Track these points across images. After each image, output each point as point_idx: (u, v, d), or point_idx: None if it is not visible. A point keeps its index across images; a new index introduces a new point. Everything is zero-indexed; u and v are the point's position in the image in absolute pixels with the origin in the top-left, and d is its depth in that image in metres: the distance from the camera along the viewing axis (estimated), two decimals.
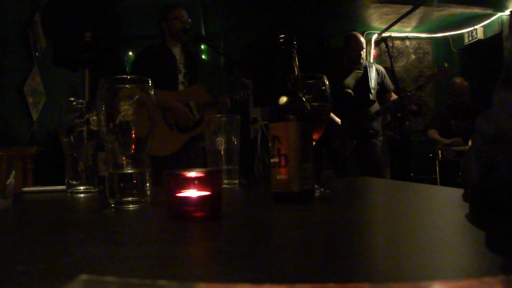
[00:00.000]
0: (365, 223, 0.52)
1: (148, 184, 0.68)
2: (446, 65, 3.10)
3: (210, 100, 2.39)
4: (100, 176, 0.94)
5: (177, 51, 2.40)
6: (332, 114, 2.67)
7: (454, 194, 0.72)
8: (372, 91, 2.89)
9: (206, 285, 0.24)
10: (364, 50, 2.95)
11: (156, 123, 0.71)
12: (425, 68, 5.54)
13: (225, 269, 0.31)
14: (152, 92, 0.69)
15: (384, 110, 2.92)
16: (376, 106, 2.91)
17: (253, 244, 0.40)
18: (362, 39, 2.96)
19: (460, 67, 5.38)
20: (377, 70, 2.98)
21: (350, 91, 2.89)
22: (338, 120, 2.79)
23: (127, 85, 0.68)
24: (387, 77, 3.01)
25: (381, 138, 2.92)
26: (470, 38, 5.18)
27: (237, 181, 1.07)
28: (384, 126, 3.10)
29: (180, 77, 2.38)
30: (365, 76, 2.91)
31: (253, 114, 3.90)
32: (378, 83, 2.96)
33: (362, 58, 2.93)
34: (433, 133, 3.67)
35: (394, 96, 2.98)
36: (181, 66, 2.39)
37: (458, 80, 3.63)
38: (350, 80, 2.92)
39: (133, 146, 0.67)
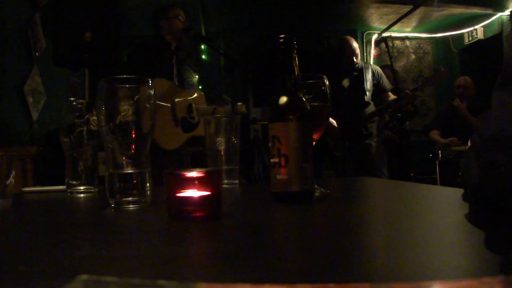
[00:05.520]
0: (365, 223, 0.52)
1: (148, 184, 0.68)
2: (442, 68, 3.11)
3: (208, 107, 2.36)
4: (100, 176, 0.94)
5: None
6: None
7: (454, 194, 0.72)
8: (367, 92, 2.90)
9: (206, 285, 0.24)
10: (358, 54, 2.96)
11: (156, 122, 0.71)
12: (425, 68, 5.54)
13: (225, 269, 0.31)
14: (153, 92, 0.69)
15: (378, 112, 2.93)
16: (371, 108, 2.91)
17: (253, 244, 0.40)
18: (355, 44, 2.96)
19: (460, 67, 5.38)
20: (373, 71, 2.98)
21: (344, 92, 2.90)
22: (333, 121, 2.79)
23: (127, 85, 0.68)
24: (383, 78, 3.01)
25: (375, 139, 2.92)
26: (470, 38, 5.18)
27: (237, 181, 1.07)
28: (382, 127, 3.10)
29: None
30: (360, 78, 2.91)
31: (253, 114, 3.90)
32: (374, 84, 2.96)
33: (356, 63, 2.94)
34: (434, 134, 3.67)
35: (392, 96, 2.98)
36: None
37: (463, 79, 3.63)
38: (344, 82, 2.93)
39: (133, 146, 0.67)
